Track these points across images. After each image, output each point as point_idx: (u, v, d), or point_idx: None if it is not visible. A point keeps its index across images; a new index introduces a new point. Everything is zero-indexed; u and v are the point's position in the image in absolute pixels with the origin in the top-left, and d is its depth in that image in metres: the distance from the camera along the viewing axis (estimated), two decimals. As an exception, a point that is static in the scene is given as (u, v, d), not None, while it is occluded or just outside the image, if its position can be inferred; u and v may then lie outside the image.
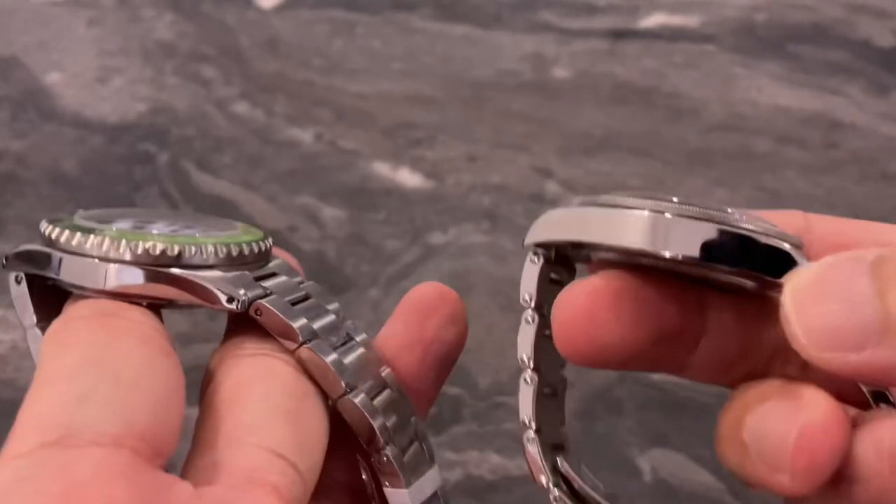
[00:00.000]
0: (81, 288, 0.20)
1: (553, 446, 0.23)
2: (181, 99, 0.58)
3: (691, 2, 0.65)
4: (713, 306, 0.21)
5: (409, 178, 0.53)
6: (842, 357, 0.16)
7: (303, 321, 0.21)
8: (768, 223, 0.19)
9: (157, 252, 0.20)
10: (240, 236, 0.22)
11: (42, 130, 0.56)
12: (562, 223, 0.20)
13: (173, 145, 0.55)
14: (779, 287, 0.18)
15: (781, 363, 0.21)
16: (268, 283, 0.22)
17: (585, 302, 0.19)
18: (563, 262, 0.22)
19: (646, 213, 0.18)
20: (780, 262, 0.18)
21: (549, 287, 0.21)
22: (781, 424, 0.18)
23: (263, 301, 0.21)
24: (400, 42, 0.62)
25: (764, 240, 0.18)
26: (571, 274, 0.22)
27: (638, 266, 0.20)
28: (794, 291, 0.17)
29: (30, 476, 0.16)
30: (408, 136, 0.56)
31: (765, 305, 0.20)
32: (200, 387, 0.20)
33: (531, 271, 0.21)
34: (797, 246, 0.19)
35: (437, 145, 0.55)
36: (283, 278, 0.22)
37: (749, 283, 0.20)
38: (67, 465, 0.16)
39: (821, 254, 0.21)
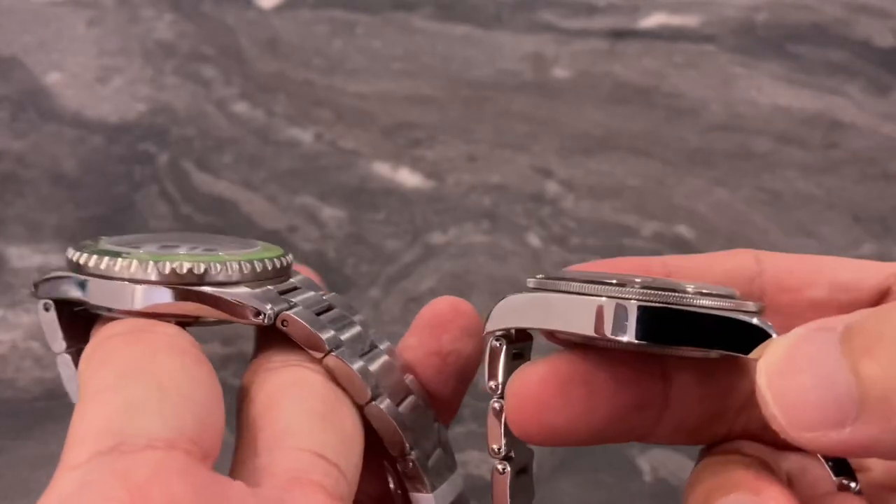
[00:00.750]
0: (110, 310, 0.21)
1: None
2: (181, 99, 0.58)
3: (691, 2, 0.65)
4: (676, 378, 0.21)
5: (409, 178, 0.53)
6: (823, 436, 0.16)
7: (330, 332, 0.21)
8: (726, 294, 0.19)
9: (184, 271, 0.21)
10: (261, 253, 0.23)
11: (42, 130, 0.56)
12: (523, 310, 0.21)
13: (173, 145, 0.55)
14: (742, 356, 0.18)
15: (745, 421, 0.21)
16: (292, 298, 0.22)
17: (535, 388, 0.20)
18: (523, 335, 0.22)
19: (604, 300, 0.19)
20: (744, 336, 0.18)
21: (512, 364, 0.22)
22: None
23: (289, 312, 0.21)
24: (400, 42, 0.62)
25: (725, 315, 0.18)
26: (530, 343, 0.23)
27: (597, 345, 0.20)
28: (768, 371, 0.17)
29: (91, 482, 0.16)
30: (408, 136, 0.56)
31: (727, 369, 0.21)
32: (235, 404, 0.20)
33: (495, 358, 0.22)
34: (758, 312, 0.19)
35: (437, 145, 0.55)
36: (308, 292, 0.23)
37: (714, 354, 0.20)
38: (127, 469, 0.16)
39: (774, 297, 0.21)
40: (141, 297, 0.20)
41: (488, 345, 0.22)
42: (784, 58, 0.61)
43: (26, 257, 0.49)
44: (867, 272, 0.21)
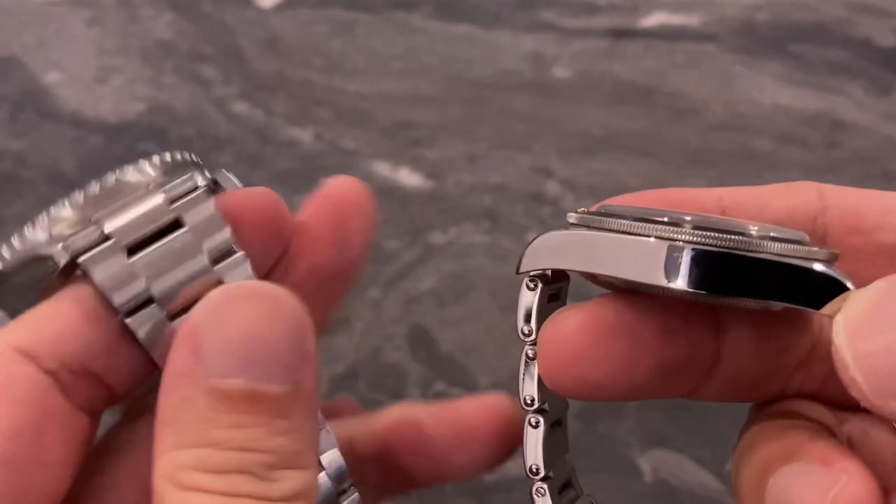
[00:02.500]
0: None
1: (562, 487, 0.21)
2: (180, 98, 0.58)
3: (692, 1, 0.65)
4: (730, 331, 0.18)
5: (409, 177, 0.53)
6: None
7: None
8: (794, 238, 0.17)
9: None
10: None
11: (41, 130, 0.56)
12: (563, 250, 0.18)
13: (173, 145, 0.55)
14: (812, 311, 0.16)
15: (802, 379, 0.19)
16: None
17: (572, 337, 0.17)
18: (560, 275, 0.20)
19: (657, 241, 0.16)
20: (816, 287, 0.16)
21: (548, 307, 0.20)
22: (805, 496, 0.16)
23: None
24: (400, 42, 0.62)
25: (795, 263, 0.16)
26: (567, 284, 0.21)
27: (645, 291, 0.18)
28: (848, 330, 0.15)
29: None
30: (408, 135, 0.56)
31: (788, 323, 0.19)
32: None
33: (528, 299, 0.20)
34: (831, 261, 0.17)
35: (437, 145, 0.55)
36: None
37: (776, 306, 0.18)
38: None
39: (839, 239, 0.19)
40: None
41: (522, 286, 0.20)
42: (785, 57, 0.60)
43: (25, 257, 0.49)
44: None
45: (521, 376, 0.20)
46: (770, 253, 0.16)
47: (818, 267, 0.16)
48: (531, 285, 0.20)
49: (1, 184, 0.53)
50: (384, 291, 0.47)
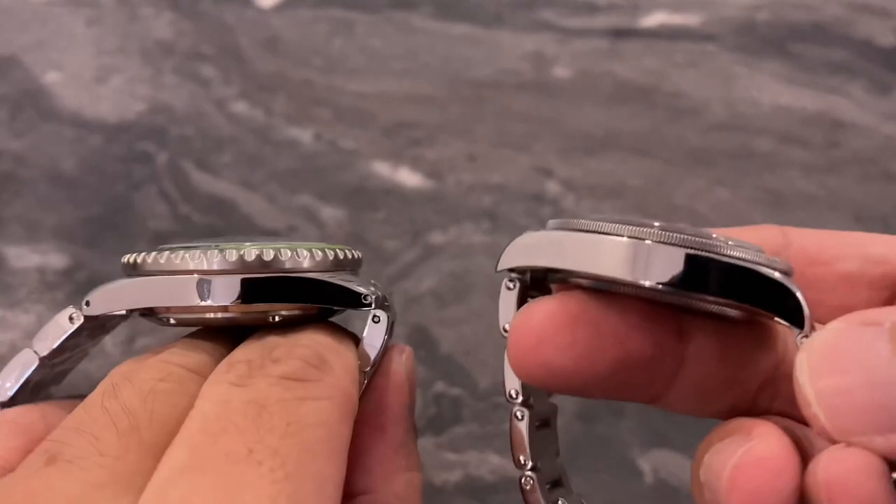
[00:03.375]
0: (168, 309, 0.19)
1: (551, 484, 0.22)
2: (180, 98, 0.58)
3: (692, 1, 0.65)
4: (694, 335, 0.19)
5: (408, 177, 0.53)
6: (870, 441, 0.15)
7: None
8: (753, 248, 0.18)
9: (252, 258, 0.19)
10: (324, 245, 0.21)
11: (40, 130, 0.56)
12: (536, 248, 0.19)
13: (172, 145, 0.55)
14: (767, 316, 0.17)
15: (769, 398, 0.20)
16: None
17: (538, 323, 0.18)
18: (539, 286, 0.21)
19: (625, 239, 0.17)
20: (769, 292, 0.17)
21: None
22: (721, 461, 0.17)
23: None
24: (400, 41, 0.62)
25: (753, 268, 0.17)
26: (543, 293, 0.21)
27: (614, 291, 0.19)
28: (810, 368, 0.16)
29: None
30: (408, 135, 0.55)
31: (750, 333, 0.19)
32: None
33: (508, 299, 0.21)
34: (786, 273, 0.18)
35: (437, 145, 0.55)
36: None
37: (733, 312, 0.19)
38: None
39: (802, 270, 0.20)
40: (216, 291, 0.19)
41: (502, 285, 0.21)
42: (785, 57, 0.60)
43: (25, 257, 0.49)
44: None
45: (504, 371, 0.21)
46: (731, 256, 0.17)
47: (772, 274, 0.17)
48: (510, 285, 0.21)
49: (0, 184, 0.53)
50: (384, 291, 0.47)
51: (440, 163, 0.54)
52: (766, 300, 0.17)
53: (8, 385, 0.20)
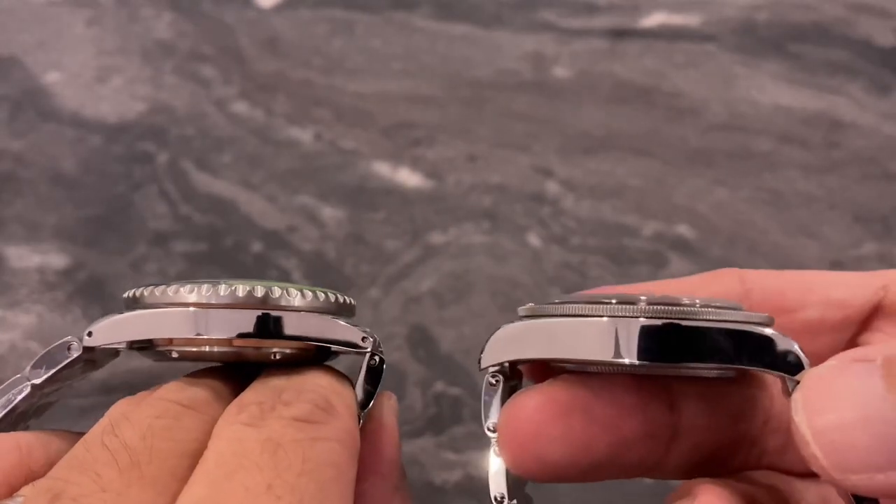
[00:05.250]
0: (171, 342, 0.19)
1: None
2: (180, 98, 0.58)
3: (692, 1, 0.65)
4: (685, 403, 0.19)
5: (409, 177, 0.53)
6: (870, 479, 0.15)
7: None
8: (731, 305, 0.18)
9: (242, 294, 0.19)
10: (325, 290, 0.21)
11: (41, 130, 0.56)
12: (520, 340, 0.19)
13: (172, 145, 0.55)
14: (758, 371, 0.17)
15: (760, 451, 0.20)
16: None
17: (530, 417, 0.18)
18: (516, 372, 0.21)
19: (605, 320, 0.17)
20: (763, 349, 0.17)
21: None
22: None
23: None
24: (400, 42, 0.62)
25: (743, 329, 0.17)
26: (520, 379, 0.21)
27: (602, 372, 0.19)
28: (806, 407, 0.16)
29: None
30: (408, 135, 0.56)
31: (739, 390, 0.20)
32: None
33: (494, 397, 0.20)
34: (769, 324, 0.18)
35: (437, 145, 0.55)
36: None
37: (724, 372, 0.19)
38: None
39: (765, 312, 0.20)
40: (216, 323, 0.19)
41: (484, 383, 0.20)
42: (785, 57, 0.60)
43: (25, 257, 0.49)
44: (857, 287, 0.20)
45: (489, 475, 0.20)
46: (717, 320, 0.17)
47: (757, 329, 0.17)
48: (492, 381, 0.20)
49: (1, 184, 0.53)
50: (384, 291, 0.47)
51: (440, 163, 0.54)
52: (761, 358, 0.17)
53: None
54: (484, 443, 0.21)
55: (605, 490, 0.40)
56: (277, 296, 0.19)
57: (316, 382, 0.19)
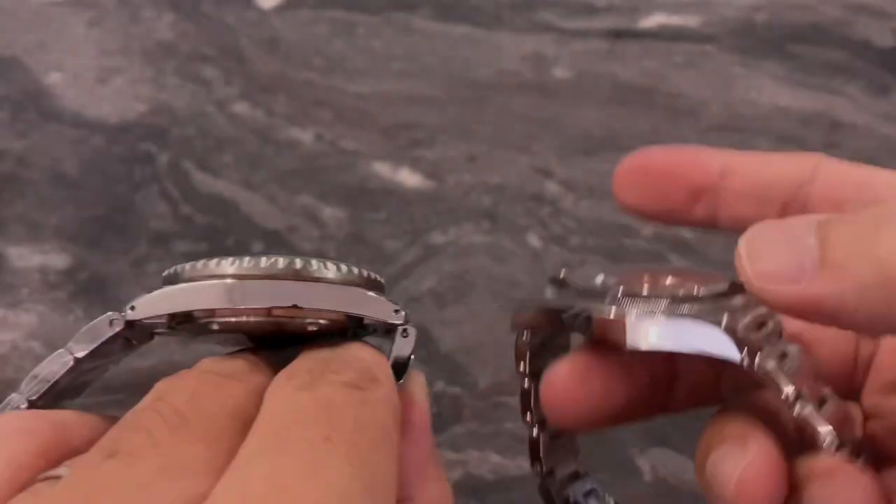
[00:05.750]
0: (212, 313, 0.20)
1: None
2: (181, 99, 0.58)
3: (691, 2, 0.65)
4: (679, 354, 0.22)
5: (409, 178, 0.53)
6: (780, 288, 0.18)
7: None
8: (716, 292, 0.21)
9: (281, 266, 0.20)
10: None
11: (42, 130, 0.56)
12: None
13: (173, 145, 0.55)
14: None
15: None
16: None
17: (561, 382, 0.23)
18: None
19: (613, 314, 0.21)
20: (715, 340, 0.21)
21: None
22: (727, 469, 0.20)
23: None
24: (400, 42, 0.62)
25: (699, 322, 0.21)
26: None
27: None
28: (750, 231, 0.19)
29: None
30: (408, 136, 0.56)
31: None
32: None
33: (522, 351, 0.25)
34: (738, 309, 0.21)
35: (437, 145, 0.55)
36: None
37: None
38: None
39: (818, 207, 0.23)
40: (254, 294, 0.19)
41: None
42: (784, 58, 0.61)
43: (26, 257, 0.49)
44: None
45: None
46: (683, 314, 0.21)
47: (711, 325, 0.21)
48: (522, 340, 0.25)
49: (2, 184, 0.53)
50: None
51: (440, 163, 0.54)
52: (718, 347, 0.21)
53: (39, 383, 0.20)
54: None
55: (606, 490, 0.40)
56: (314, 268, 0.20)
57: (358, 355, 0.20)
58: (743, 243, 0.19)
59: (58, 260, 0.49)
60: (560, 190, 0.52)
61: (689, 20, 0.63)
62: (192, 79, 0.59)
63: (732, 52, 0.61)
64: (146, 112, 0.57)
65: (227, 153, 0.55)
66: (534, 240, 0.50)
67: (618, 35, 0.62)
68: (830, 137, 0.55)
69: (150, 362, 0.43)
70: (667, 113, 0.57)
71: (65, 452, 0.18)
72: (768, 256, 0.18)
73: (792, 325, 0.21)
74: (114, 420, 0.19)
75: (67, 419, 0.19)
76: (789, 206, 0.24)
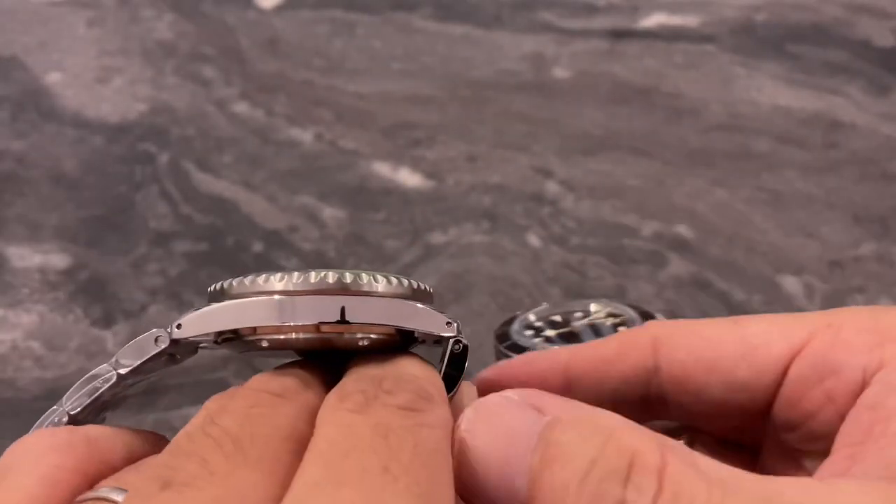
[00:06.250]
0: (255, 330, 0.20)
1: None
2: (181, 99, 0.58)
3: (691, 2, 0.65)
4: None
5: (409, 178, 0.53)
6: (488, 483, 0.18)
7: None
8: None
9: (332, 280, 0.19)
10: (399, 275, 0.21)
11: (42, 130, 0.56)
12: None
13: (173, 145, 0.55)
14: None
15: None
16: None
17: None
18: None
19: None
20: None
21: None
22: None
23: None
24: (400, 42, 0.62)
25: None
26: None
27: None
28: (468, 421, 0.19)
29: None
30: (408, 136, 0.56)
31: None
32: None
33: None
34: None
35: (437, 145, 0.55)
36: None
37: None
38: None
39: (675, 398, 0.22)
40: (303, 310, 0.19)
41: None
42: (784, 58, 0.61)
43: (26, 257, 0.49)
44: (765, 363, 0.21)
45: None
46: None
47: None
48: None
49: (2, 184, 0.53)
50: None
51: (440, 163, 0.54)
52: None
53: (81, 397, 0.20)
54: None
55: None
56: (364, 282, 0.20)
57: (410, 372, 0.19)
58: (462, 428, 0.18)
59: (58, 260, 0.49)
60: (560, 190, 0.52)
61: (689, 20, 0.64)
62: (192, 79, 0.59)
63: (732, 52, 0.61)
64: (146, 112, 0.57)
65: (227, 153, 0.55)
66: (534, 240, 0.50)
67: (618, 35, 0.62)
68: (830, 137, 0.55)
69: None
70: (667, 113, 0.57)
71: (100, 468, 0.18)
72: (483, 443, 0.18)
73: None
74: (143, 435, 0.19)
75: (101, 435, 0.19)
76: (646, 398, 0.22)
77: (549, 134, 0.56)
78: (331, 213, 0.51)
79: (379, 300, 0.20)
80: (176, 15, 0.64)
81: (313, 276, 0.19)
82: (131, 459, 0.19)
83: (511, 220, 0.51)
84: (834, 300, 0.47)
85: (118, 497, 0.17)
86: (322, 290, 0.19)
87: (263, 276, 0.20)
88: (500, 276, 0.48)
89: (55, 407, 0.20)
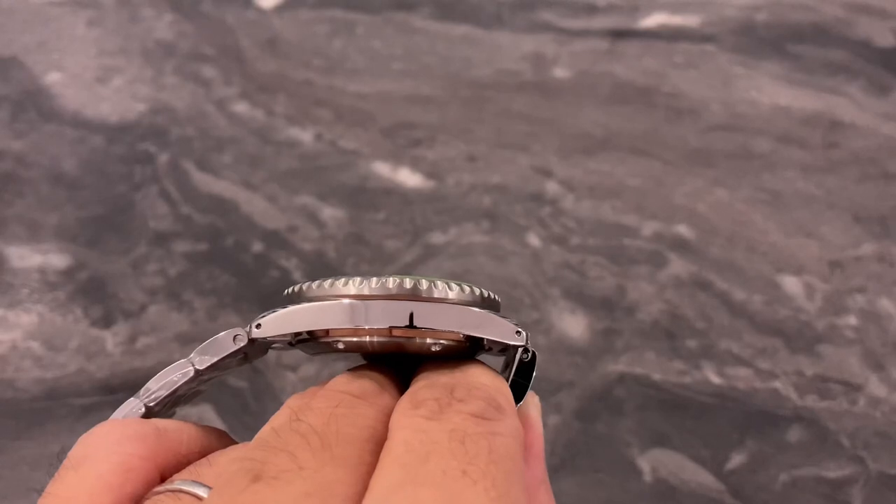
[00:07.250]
0: (327, 332, 0.20)
1: None
2: (181, 99, 0.58)
3: (691, 2, 0.65)
4: None
5: (409, 178, 0.53)
6: None
7: None
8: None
9: (392, 286, 0.20)
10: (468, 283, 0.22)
11: (42, 130, 0.56)
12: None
13: (173, 145, 0.55)
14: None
15: None
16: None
17: None
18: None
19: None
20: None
21: None
22: None
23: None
24: (400, 42, 0.62)
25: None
26: None
27: None
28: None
29: None
30: (408, 136, 0.56)
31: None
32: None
33: None
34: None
35: (437, 145, 0.55)
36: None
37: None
38: None
39: None
40: (377, 314, 0.20)
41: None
42: (784, 58, 0.61)
43: (26, 257, 0.49)
44: None
45: None
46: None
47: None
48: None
49: (2, 184, 0.53)
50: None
51: (440, 163, 0.54)
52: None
53: (159, 390, 0.21)
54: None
55: (605, 489, 0.40)
56: (438, 289, 0.20)
57: (481, 381, 0.20)
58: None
59: (57, 260, 0.49)
60: (560, 190, 0.52)
61: (689, 20, 0.63)
62: (192, 78, 0.59)
63: (733, 52, 0.61)
64: (146, 112, 0.57)
65: (227, 153, 0.55)
66: (534, 240, 0.50)
67: (618, 35, 0.62)
68: (831, 137, 0.55)
69: (150, 363, 0.43)
70: (667, 113, 0.57)
71: (169, 459, 0.19)
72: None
73: None
74: (209, 430, 0.20)
75: (170, 427, 0.20)
76: None
77: (549, 134, 0.56)
78: (331, 213, 0.51)
79: (449, 307, 0.20)
80: (176, 15, 0.64)
81: (390, 282, 0.20)
82: (200, 453, 0.20)
83: (511, 220, 0.51)
84: (834, 300, 0.47)
85: (198, 490, 0.17)
86: (395, 296, 0.20)
87: (342, 279, 0.20)
88: (500, 276, 0.47)
89: (132, 399, 0.21)
